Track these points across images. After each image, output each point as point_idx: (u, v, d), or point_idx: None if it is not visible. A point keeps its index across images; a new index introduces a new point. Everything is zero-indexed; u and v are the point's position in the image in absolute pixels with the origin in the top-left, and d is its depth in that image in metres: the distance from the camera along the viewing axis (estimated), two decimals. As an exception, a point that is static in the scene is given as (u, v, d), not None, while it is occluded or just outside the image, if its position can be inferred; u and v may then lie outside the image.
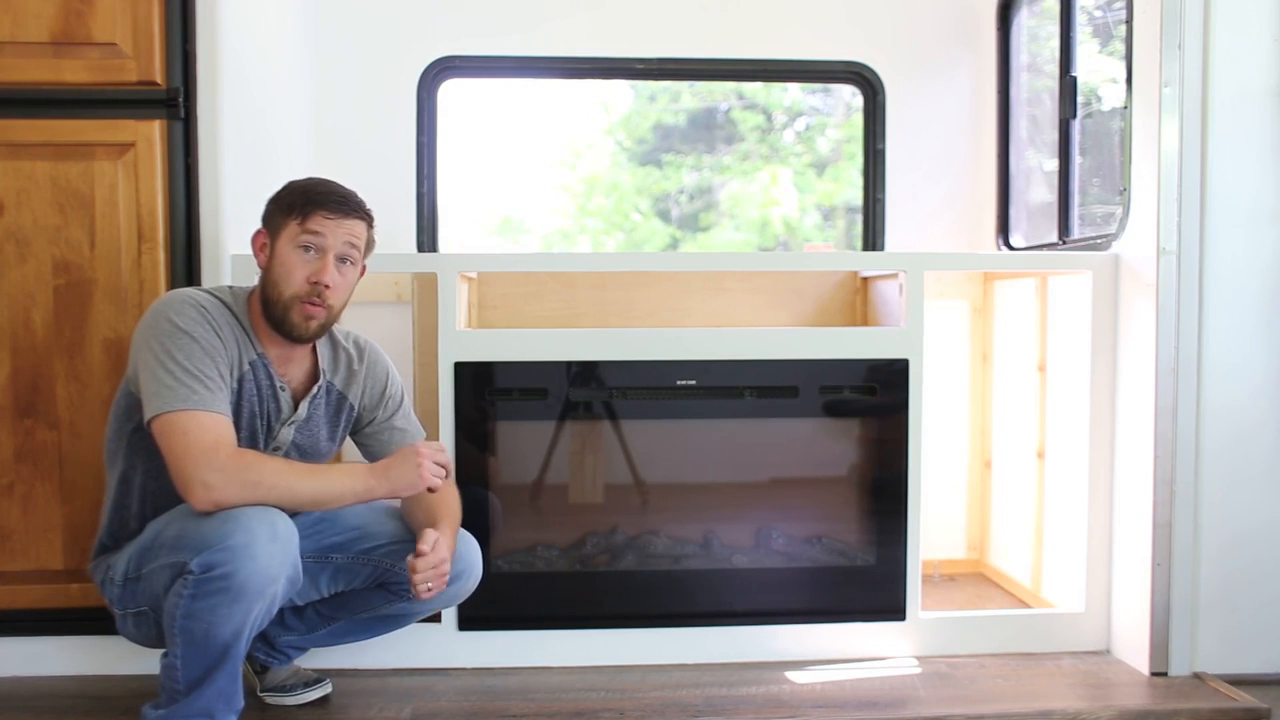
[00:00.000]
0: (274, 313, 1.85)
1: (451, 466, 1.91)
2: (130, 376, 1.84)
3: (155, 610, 1.79)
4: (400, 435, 2.07)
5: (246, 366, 1.86)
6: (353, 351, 2.04)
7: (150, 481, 1.87)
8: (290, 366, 1.93)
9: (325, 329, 1.91)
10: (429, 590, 1.82)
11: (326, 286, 1.84)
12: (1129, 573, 2.31)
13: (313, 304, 1.84)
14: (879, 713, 2.06)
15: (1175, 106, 2.17)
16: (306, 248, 1.84)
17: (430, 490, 1.87)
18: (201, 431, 1.72)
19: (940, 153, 3.22)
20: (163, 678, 1.76)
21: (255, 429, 1.88)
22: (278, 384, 1.90)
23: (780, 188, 6.39)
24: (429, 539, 1.83)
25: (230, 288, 1.93)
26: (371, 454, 2.08)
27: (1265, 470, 2.24)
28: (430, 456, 1.85)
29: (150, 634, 1.85)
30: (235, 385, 1.83)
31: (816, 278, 2.84)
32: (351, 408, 2.03)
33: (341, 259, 1.86)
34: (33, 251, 2.12)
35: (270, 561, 1.68)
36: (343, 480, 1.81)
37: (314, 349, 1.98)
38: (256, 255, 1.90)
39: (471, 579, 2.03)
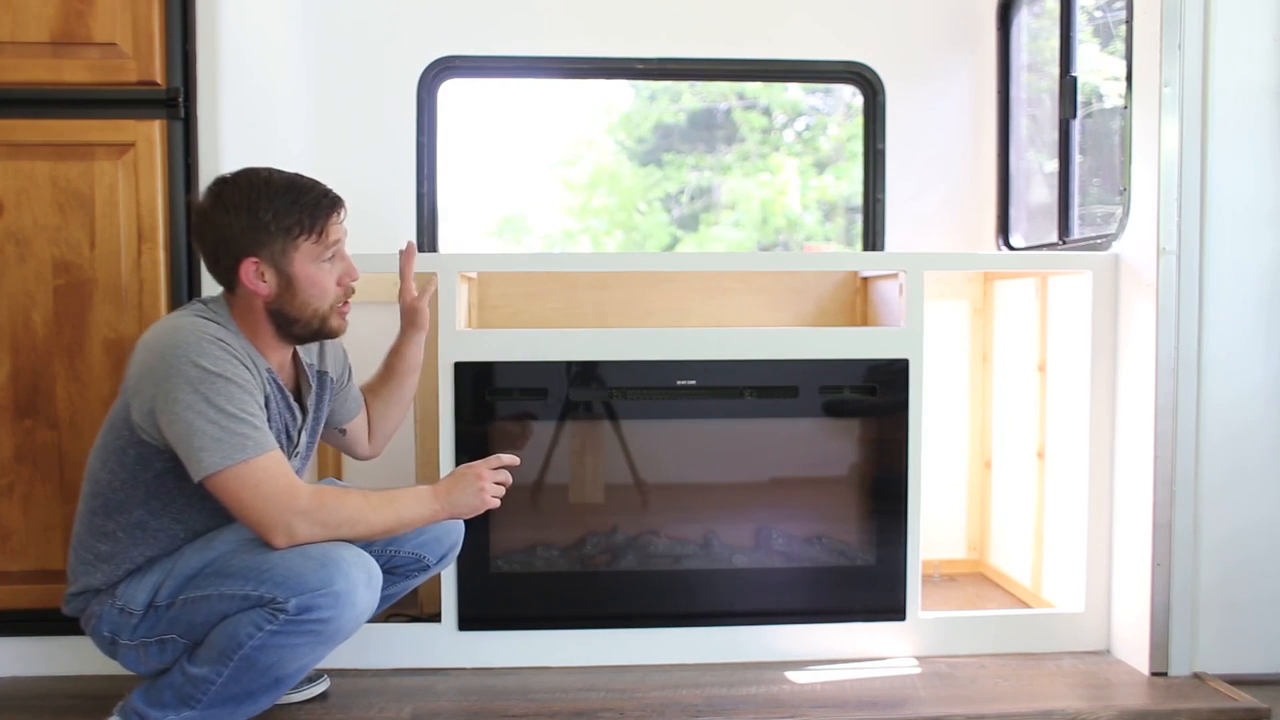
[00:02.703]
0: (310, 328, 1.83)
1: (509, 480, 1.90)
2: (140, 425, 1.73)
3: (186, 636, 1.75)
4: (350, 399, 2.13)
5: (268, 387, 1.82)
6: None
7: (176, 525, 1.81)
8: (285, 371, 1.92)
9: None
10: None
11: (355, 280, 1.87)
12: (1129, 573, 2.31)
13: (345, 303, 1.87)
14: (879, 713, 2.06)
15: (1175, 106, 2.17)
16: (329, 258, 1.82)
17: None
18: (272, 479, 1.69)
19: (940, 152, 3.21)
20: (176, 680, 1.75)
21: (282, 444, 1.86)
22: (286, 393, 1.90)
23: (785, 175, 6.39)
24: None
25: (205, 303, 1.84)
26: (330, 418, 2.11)
27: (1265, 470, 2.24)
28: (491, 477, 1.86)
29: (166, 660, 1.79)
30: (264, 409, 1.79)
31: (816, 278, 2.84)
32: (332, 381, 2.05)
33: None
34: (33, 251, 2.12)
35: (366, 609, 1.74)
36: (411, 507, 1.82)
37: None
38: (254, 285, 1.78)
39: (459, 546, 2.10)
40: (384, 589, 2.02)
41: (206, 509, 1.79)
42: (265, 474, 1.68)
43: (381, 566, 1.99)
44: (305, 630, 1.68)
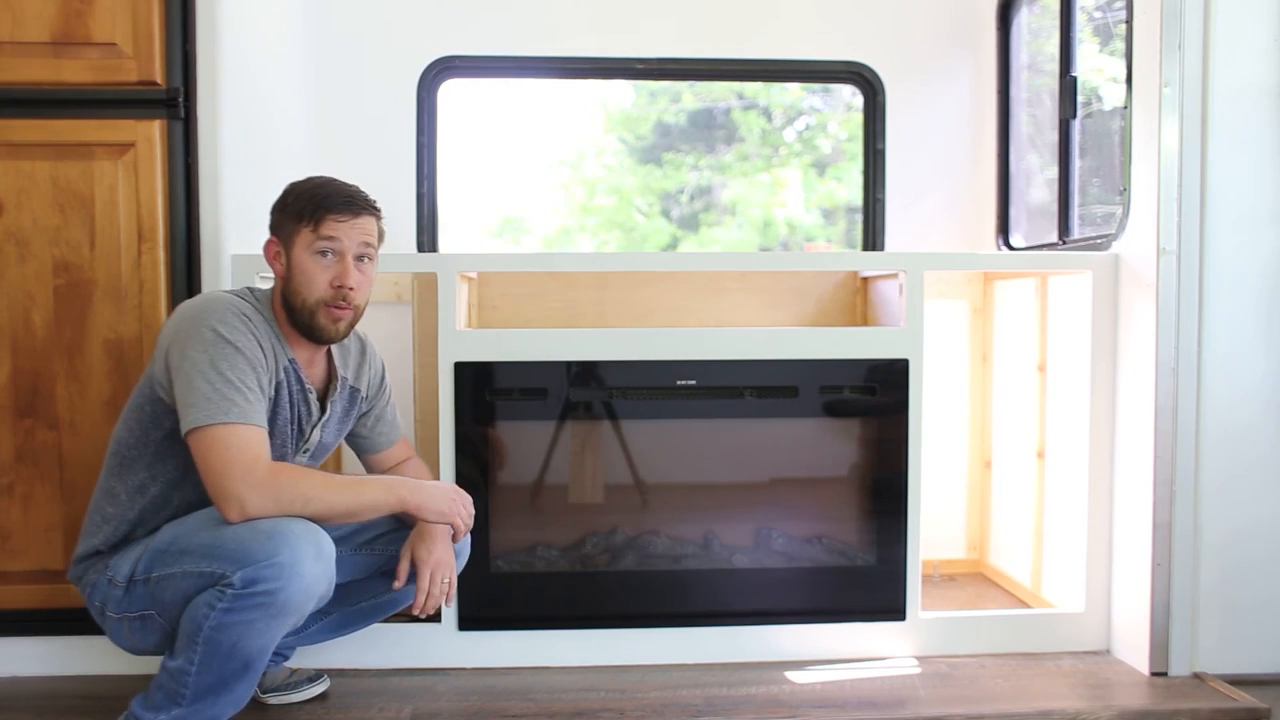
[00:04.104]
0: (301, 319, 1.87)
1: (470, 526, 1.94)
2: (159, 381, 1.81)
3: (162, 615, 1.77)
4: (386, 426, 2.13)
5: (282, 374, 1.87)
6: (356, 343, 2.08)
7: (173, 491, 1.85)
8: (314, 368, 1.97)
9: (353, 327, 1.94)
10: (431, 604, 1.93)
11: (350, 289, 1.87)
12: (1129, 573, 2.31)
13: (338, 306, 1.87)
14: (879, 713, 2.06)
15: (1175, 106, 2.17)
16: (323, 253, 1.85)
17: (455, 532, 1.92)
18: (243, 447, 1.71)
19: (940, 152, 3.22)
20: (162, 679, 1.75)
21: (287, 434, 1.90)
22: (306, 387, 1.93)
23: (790, 189, 6.39)
24: (424, 573, 1.92)
25: (251, 290, 1.93)
26: (356, 439, 2.13)
27: (1265, 470, 2.24)
28: (465, 504, 1.90)
29: (150, 640, 1.82)
30: (273, 393, 1.85)
31: (816, 278, 2.84)
32: (362, 399, 2.07)
33: (359, 257, 1.89)
34: (33, 251, 2.12)
35: (315, 580, 1.71)
36: (376, 492, 1.82)
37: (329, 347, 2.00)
38: (271, 264, 1.91)
39: (463, 559, 2.09)
40: (383, 593, 2.05)
41: (198, 482, 1.81)
42: (239, 440, 1.71)
43: (375, 570, 2.03)
44: (254, 604, 1.67)
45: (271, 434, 1.84)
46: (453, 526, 1.90)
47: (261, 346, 1.81)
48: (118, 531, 1.85)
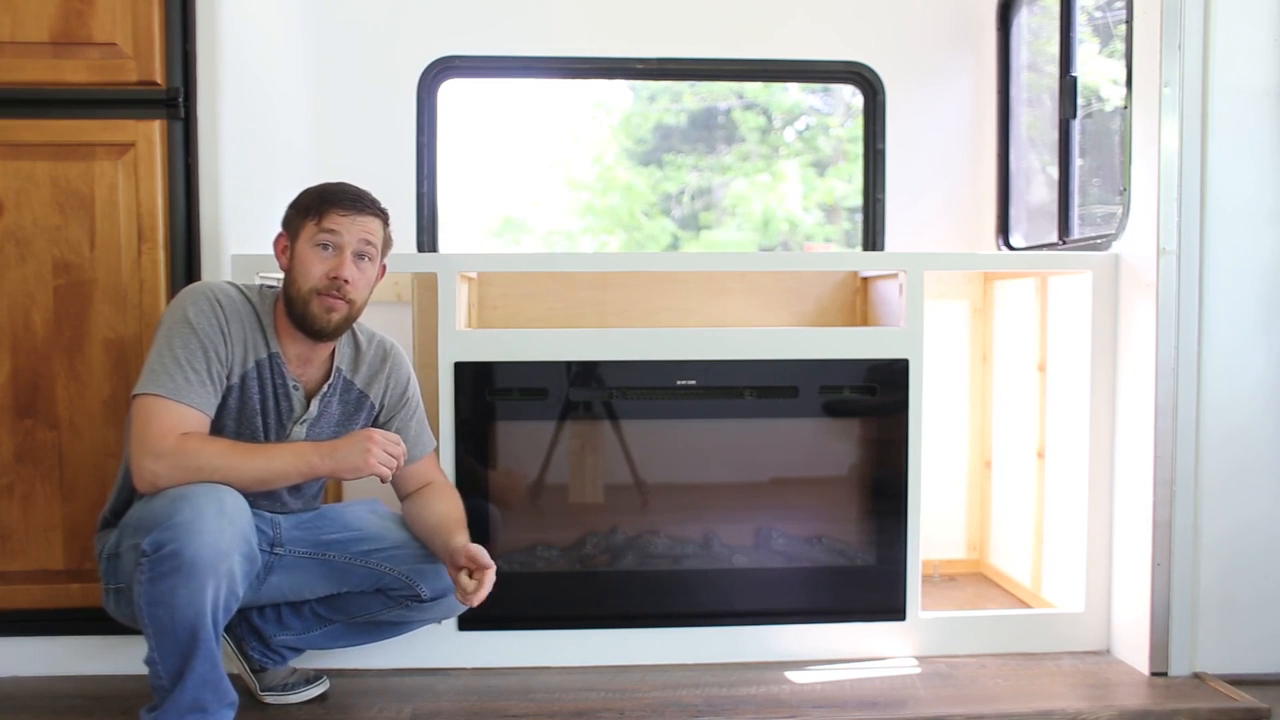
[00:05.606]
0: (295, 309, 1.89)
1: (403, 461, 1.90)
2: None
3: (130, 589, 1.79)
4: (408, 442, 2.05)
5: (251, 365, 1.89)
6: (377, 351, 2.07)
7: None
8: (309, 367, 1.97)
9: (348, 324, 1.94)
10: (469, 598, 1.85)
11: (345, 281, 1.88)
12: (1129, 572, 2.31)
13: (332, 296, 1.88)
14: (879, 713, 2.06)
15: (1175, 106, 2.17)
16: (324, 245, 1.88)
17: (381, 480, 1.88)
18: (160, 419, 1.77)
19: (940, 152, 3.22)
20: (150, 678, 1.76)
21: (257, 426, 1.91)
22: (290, 383, 1.93)
23: (789, 182, 6.39)
24: (486, 555, 1.86)
25: (263, 286, 1.97)
26: None
27: (1265, 469, 2.24)
28: (382, 445, 1.85)
29: (128, 612, 1.84)
30: (236, 382, 1.87)
31: (816, 278, 2.84)
32: (373, 406, 2.05)
33: (358, 255, 1.91)
34: (33, 251, 2.12)
35: (219, 536, 1.69)
36: (286, 458, 1.83)
37: (334, 349, 2.00)
38: (279, 258, 1.94)
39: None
40: (379, 613, 2.05)
41: None
42: (161, 411, 1.77)
43: (373, 586, 2.02)
44: (166, 569, 1.66)
45: (240, 423, 1.88)
46: (378, 476, 1.86)
47: (227, 334, 1.85)
48: (118, 500, 1.91)
